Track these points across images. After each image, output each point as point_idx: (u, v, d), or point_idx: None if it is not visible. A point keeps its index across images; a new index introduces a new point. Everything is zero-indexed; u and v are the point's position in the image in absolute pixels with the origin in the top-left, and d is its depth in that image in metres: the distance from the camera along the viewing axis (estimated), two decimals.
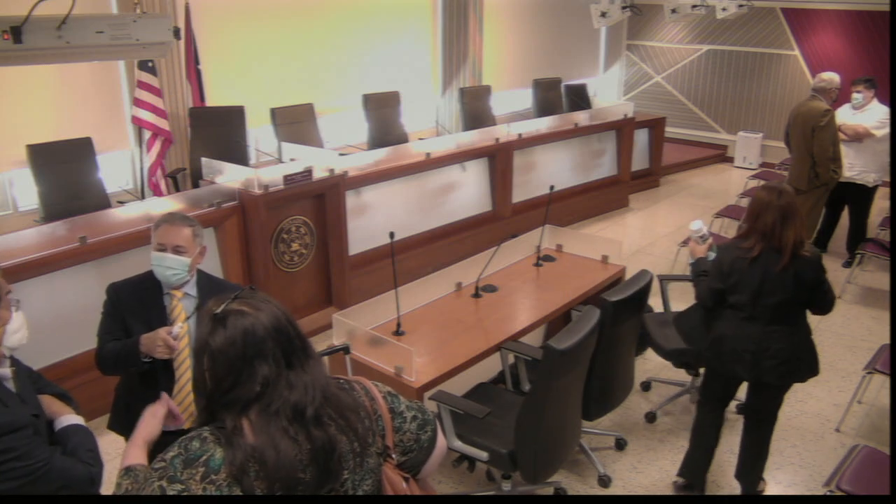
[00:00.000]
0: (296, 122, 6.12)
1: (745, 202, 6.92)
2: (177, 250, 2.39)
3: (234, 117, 5.68)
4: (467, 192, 6.28)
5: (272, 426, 1.31)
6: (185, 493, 1.27)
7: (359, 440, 1.41)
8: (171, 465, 1.30)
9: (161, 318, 2.44)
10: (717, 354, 3.10)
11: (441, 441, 1.63)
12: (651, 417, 3.93)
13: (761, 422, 3.22)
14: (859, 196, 5.99)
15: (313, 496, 1.35)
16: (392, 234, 3.57)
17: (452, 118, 7.84)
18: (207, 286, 2.50)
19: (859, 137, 5.76)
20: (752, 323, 2.99)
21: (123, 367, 2.43)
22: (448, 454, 3.30)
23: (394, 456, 1.52)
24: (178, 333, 2.34)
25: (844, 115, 5.87)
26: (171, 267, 2.39)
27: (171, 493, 1.27)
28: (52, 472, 1.74)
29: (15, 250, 3.67)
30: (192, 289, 2.49)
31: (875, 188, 5.96)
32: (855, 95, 5.83)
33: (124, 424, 2.50)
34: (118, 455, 2.58)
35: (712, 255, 3.25)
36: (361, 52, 7.08)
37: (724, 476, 3.51)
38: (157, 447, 1.41)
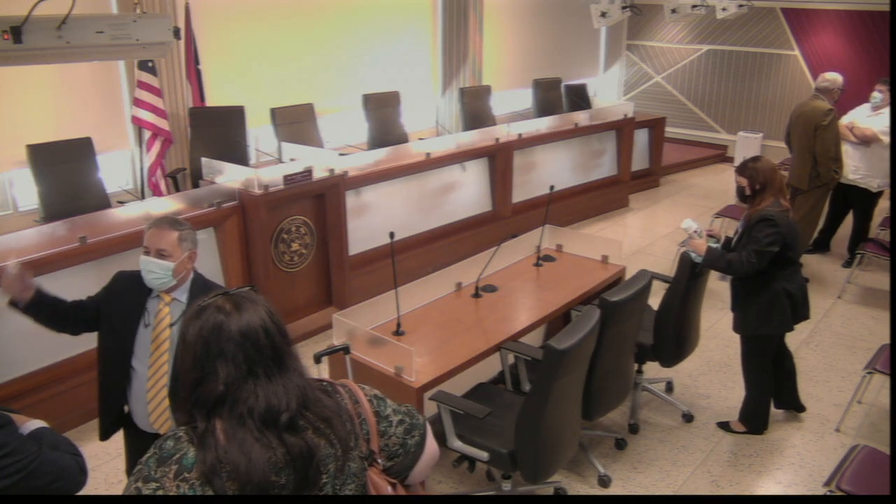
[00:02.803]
0: (296, 122, 6.12)
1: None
2: (160, 254, 2.36)
3: (234, 117, 5.68)
4: (467, 192, 6.28)
5: (241, 433, 1.29)
6: (161, 491, 1.26)
7: (340, 444, 1.38)
8: (146, 465, 1.30)
9: (134, 316, 2.44)
10: (789, 311, 3.50)
11: (431, 447, 1.59)
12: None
13: (786, 353, 3.81)
14: (863, 200, 5.97)
15: (307, 496, 1.34)
16: (392, 234, 3.56)
17: (452, 118, 7.84)
18: (202, 291, 2.41)
19: (867, 141, 5.72)
20: (799, 269, 3.58)
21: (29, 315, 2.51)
22: (448, 454, 3.30)
23: (379, 461, 1.48)
24: (11, 268, 2.38)
25: (860, 115, 5.81)
26: (152, 271, 2.37)
27: (146, 492, 1.26)
28: (44, 466, 1.70)
29: (15, 250, 3.66)
30: (182, 294, 2.44)
31: (879, 193, 5.94)
32: (875, 94, 5.70)
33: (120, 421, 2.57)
34: (119, 455, 2.58)
35: (713, 243, 3.56)
36: (361, 52, 7.08)
37: (724, 474, 3.52)
38: (139, 454, 1.40)
